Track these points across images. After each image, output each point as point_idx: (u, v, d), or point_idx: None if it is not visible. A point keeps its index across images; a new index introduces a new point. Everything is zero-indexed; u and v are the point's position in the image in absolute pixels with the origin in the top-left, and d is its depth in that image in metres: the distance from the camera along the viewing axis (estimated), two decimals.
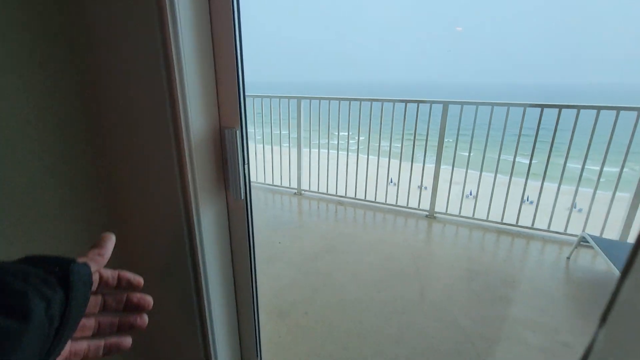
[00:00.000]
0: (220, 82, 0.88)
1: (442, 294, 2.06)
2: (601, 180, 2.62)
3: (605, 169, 2.57)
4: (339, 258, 2.45)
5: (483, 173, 3.04)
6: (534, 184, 2.87)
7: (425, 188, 3.25)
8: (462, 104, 2.93)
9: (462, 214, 3.12)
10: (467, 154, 3.07)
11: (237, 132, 0.88)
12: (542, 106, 2.66)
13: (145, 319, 0.41)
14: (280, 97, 3.64)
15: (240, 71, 0.86)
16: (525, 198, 2.91)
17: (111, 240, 0.41)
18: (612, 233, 2.66)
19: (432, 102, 3.02)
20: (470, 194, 3.07)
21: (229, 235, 1.02)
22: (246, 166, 0.94)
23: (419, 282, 2.17)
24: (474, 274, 2.28)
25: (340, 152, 3.59)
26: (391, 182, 3.45)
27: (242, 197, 0.93)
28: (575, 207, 2.76)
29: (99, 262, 0.37)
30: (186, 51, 0.77)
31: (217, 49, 0.85)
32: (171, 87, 0.77)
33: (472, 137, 2.97)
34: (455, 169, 3.11)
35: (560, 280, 2.24)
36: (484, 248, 2.71)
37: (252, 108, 3.86)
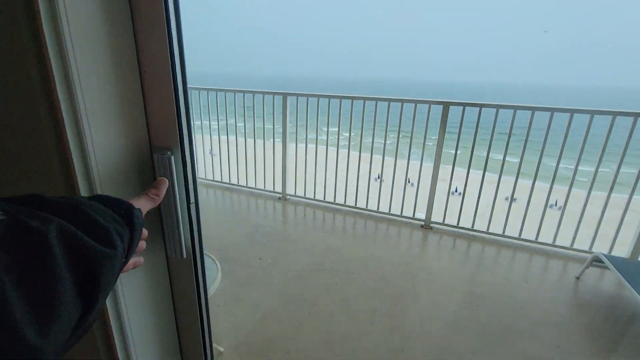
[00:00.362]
0: (148, 84, 0.56)
1: (444, 325, 1.80)
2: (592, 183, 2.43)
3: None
4: (326, 279, 2.16)
5: (477, 178, 2.79)
6: (541, 186, 2.64)
7: (413, 184, 2.98)
8: (463, 105, 2.67)
9: (460, 225, 2.88)
10: (468, 158, 2.81)
11: (174, 157, 0.57)
12: (552, 110, 2.42)
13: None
14: (264, 93, 3.30)
15: (179, 68, 0.54)
16: (511, 198, 2.69)
17: (165, 185, 0.52)
18: (622, 247, 2.47)
19: (431, 103, 2.75)
20: (456, 191, 2.82)
21: (172, 298, 0.71)
22: (192, 206, 0.63)
23: (417, 310, 1.90)
24: (477, 298, 2.03)
25: (329, 153, 3.28)
26: (380, 179, 3.14)
27: (184, 256, 0.62)
28: (553, 205, 2.56)
29: (155, 202, 0.48)
30: (77, 43, 0.46)
31: (142, 40, 0.53)
32: (50, 92, 0.46)
33: (474, 140, 2.71)
34: (452, 175, 2.85)
35: (573, 305, 2.02)
36: (485, 265, 2.47)
37: (231, 102, 3.51)
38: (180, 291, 0.69)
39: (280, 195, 3.47)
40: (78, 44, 0.45)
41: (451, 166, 2.85)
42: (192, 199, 0.63)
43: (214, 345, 1.55)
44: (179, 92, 0.55)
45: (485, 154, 2.68)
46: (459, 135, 2.78)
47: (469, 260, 2.52)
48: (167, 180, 0.53)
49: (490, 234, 2.79)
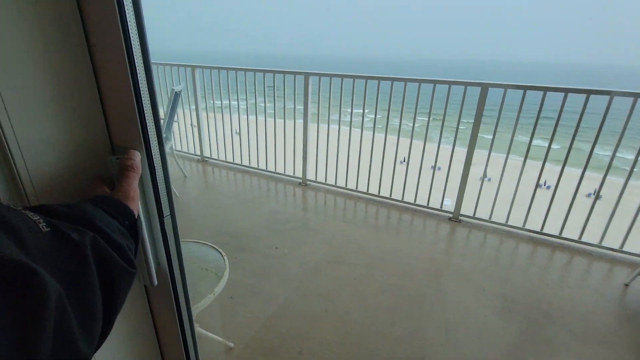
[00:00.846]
0: (100, 62, 0.43)
1: (471, 332, 1.65)
2: None
3: None
4: (345, 272, 2.05)
5: (516, 165, 2.53)
6: (593, 177, 2.36)
7: (440, 168, 2.76)
8: (505, 87, 2.38)
9: (492, 219, 2.66)
10: (508, 144, 2.53)
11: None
12: (612, 93, 2.10)
13: None
14: (285, 72, 3.13)
15: (136, 40, 0.40)
16: (554, 189, 2.41)
17: (138, 155, 0.45)
18: None
19: (467, 84, 2.48)
20: (486, 176, 2.60)
21: (154, 326, 0.61)
22: (167, 219, 0.51)
23: (442, 313, 1.76)
24: (510, 303, 1.85)
25: (352, 136, 3.09)
26: (407, 161, 2.94)
27: (155, 283, 0.51)
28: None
29: (139, 173, 0.43)
30: None
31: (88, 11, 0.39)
32: None
33: (515, 124, 2.44)
34: (488, 160, 2.61)
35: (621, 317, 1.80)
36: (520, 265, 2.26)
37: (251, 81, 3.37)
38: (161, 317, 0.59)
39: (301, 181, 3.35)
40: None
41: (486, 152, 2.60)
42: (167, 211, 0.51)
43: (224, 341, 1.50)
44: (137, 74, 0.41)
45: (526, 139, 2.41)
46: (498, 119, 2.51)
47: (502, 259, 2.32)
48: (137, 152, 0.45)
49: (526, 230, 2.55)
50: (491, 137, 2.56)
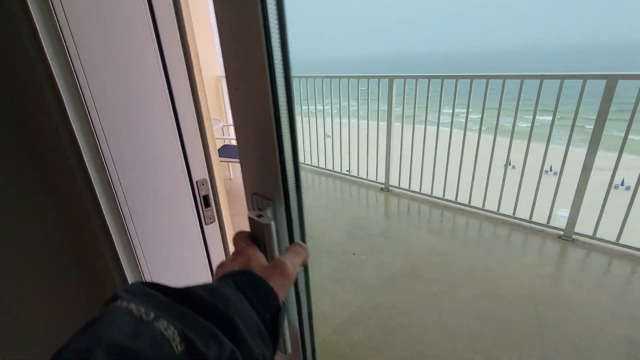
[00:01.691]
0: (242, 108, 0.40)
1: None
2: None
3: None
4: (423, 287, 1.94)
5: None
6: None
7: (555, 173, 2.31)
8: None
9: (622, 241, 2.14)
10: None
11: (275, 219, 0.41)
12: None
13: None
14: (369, 77, 3.12)
15: (283, 88, 0.37)
16: None
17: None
18: None
19: (586, 77, 2.05)
20: (622, 184, 2.07)
21: None
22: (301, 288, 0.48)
23: (538, 348, 1.51)
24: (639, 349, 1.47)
25: (440, 138, 2.88)
26: (510, 165, 2.58)
27: (289, 351, 0.48)
28: None
29: (306, 258, 0.38)
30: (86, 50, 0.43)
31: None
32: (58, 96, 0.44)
33: None
34: (617, 163, 2.11)
35: None
36: None
37: (336, 87, 3.45)
38: None
39: (383, 186, 3.29)
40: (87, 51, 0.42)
41: (613, 154, 2.11)
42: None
43: None
44: (281, 119, 0.37)
45: None
46: (633, 116, 2.01)
47: (634, 293, 1.85)
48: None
49: None
50: (622, 135, 2.06)
